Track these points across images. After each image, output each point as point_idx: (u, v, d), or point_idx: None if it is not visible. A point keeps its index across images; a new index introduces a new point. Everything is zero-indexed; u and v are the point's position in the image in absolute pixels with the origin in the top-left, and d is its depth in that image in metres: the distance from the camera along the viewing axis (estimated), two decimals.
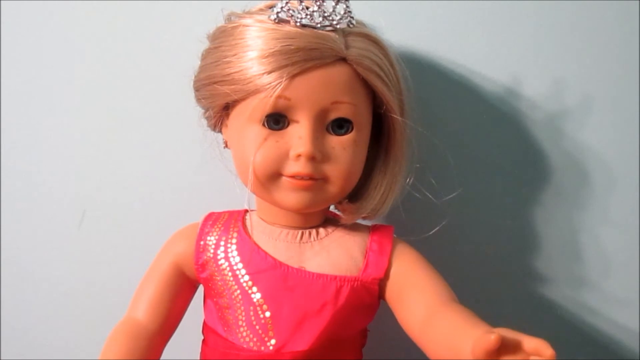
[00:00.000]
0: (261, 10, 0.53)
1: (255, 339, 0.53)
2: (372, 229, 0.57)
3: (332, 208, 0.59)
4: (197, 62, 0.56)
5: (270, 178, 0.52)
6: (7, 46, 0.68)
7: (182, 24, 0.66)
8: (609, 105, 0.67)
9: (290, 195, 0.52)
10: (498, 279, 0.70)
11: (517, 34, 0.66)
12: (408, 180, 0.57)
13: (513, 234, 0.69)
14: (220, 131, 0.58)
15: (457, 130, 0.67)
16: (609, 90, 0.67)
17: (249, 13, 0.53)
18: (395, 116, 0.53)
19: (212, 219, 0.57)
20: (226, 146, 0.58)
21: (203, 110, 0.57)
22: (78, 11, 0.67)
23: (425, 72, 0.66)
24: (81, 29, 0.68)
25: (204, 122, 0.58)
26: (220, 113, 0.55)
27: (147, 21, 0.67)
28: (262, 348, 0.53)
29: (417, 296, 0.52)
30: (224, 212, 0.58)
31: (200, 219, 0.58)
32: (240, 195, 0.60)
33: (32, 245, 0.71)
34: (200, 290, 0.58)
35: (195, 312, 0.58)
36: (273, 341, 0.52)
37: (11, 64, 0.68)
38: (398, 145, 0.55)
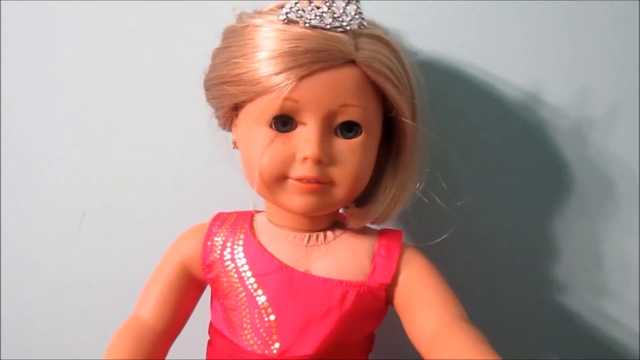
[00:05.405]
0: (272, 10, 0.52)
1: (259, 342, 0.52)
2: (381, 233, 0.56)
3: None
4: (206, 62, 0.55)
5: (276, 180, 0.51)
6: (8, 45, 0.67)
7: (192, 22, 0.66)
8: (632, 113, 0.66)
9: (296, 198, 0.51)
10: (517, 288, 0.68)
11: (540, 39, 0.65)
12: (419, 185, 0.55)
13: (533, 243, 0.68)
14: (230, 130, 0.58)
15: (473, 136, 0.66)
16: (633, 98, 0.65)
17: (260, 13, 0.53)
18: (406, 120, 0.52)
19: (220, 220, 0.57)
20: (235, 146, 0.57)
21: (213, 110, 0.57)
22: (81, 10, 0.66)
23: (442, 76, 0.64)
24: (87, 27, 0.67)
25: (213, 121, 0.57)
26: (230, 113, 0.54)
27: (156, 19, 0.66)
28: (266, 352, 0.52)
29: (426, 310, 0.51)
30: (232, 213, 0.58)
31: (208, 219, 0.57)
32: (246, 196, 0.60)
33: (32, 245, 0.70)
34: (208, 289, 0.58)
35: (203, 312, 0.58)
36: (277, 345, 0.52)
37: (12, 63, 0.68)
38: (409, 150, 0.54)
